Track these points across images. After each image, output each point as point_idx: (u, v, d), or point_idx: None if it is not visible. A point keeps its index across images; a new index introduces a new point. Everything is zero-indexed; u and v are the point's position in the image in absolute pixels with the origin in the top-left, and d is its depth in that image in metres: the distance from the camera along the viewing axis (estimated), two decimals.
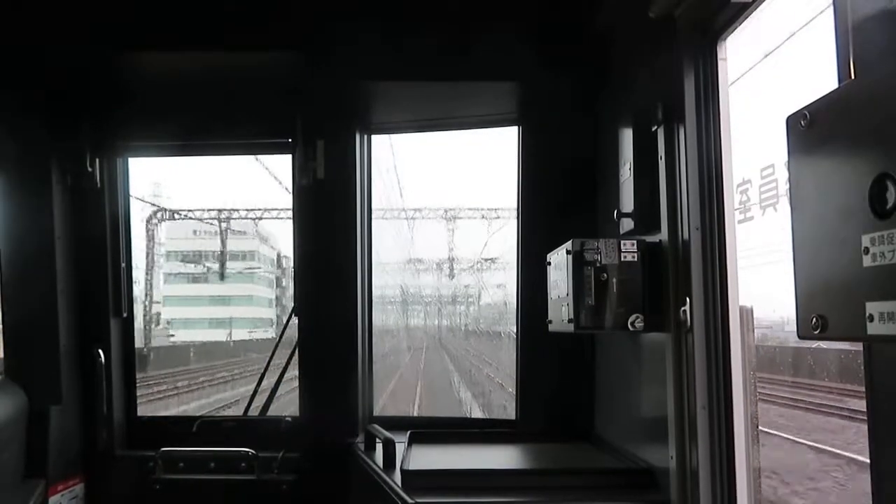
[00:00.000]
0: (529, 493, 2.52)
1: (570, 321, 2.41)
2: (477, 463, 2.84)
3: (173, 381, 17.00)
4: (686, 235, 2.21)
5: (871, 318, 1.09)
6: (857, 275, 1.12)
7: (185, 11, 3.09)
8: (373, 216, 3.72)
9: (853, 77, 1.34)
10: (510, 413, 3.57)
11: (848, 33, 1.36)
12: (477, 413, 11.26)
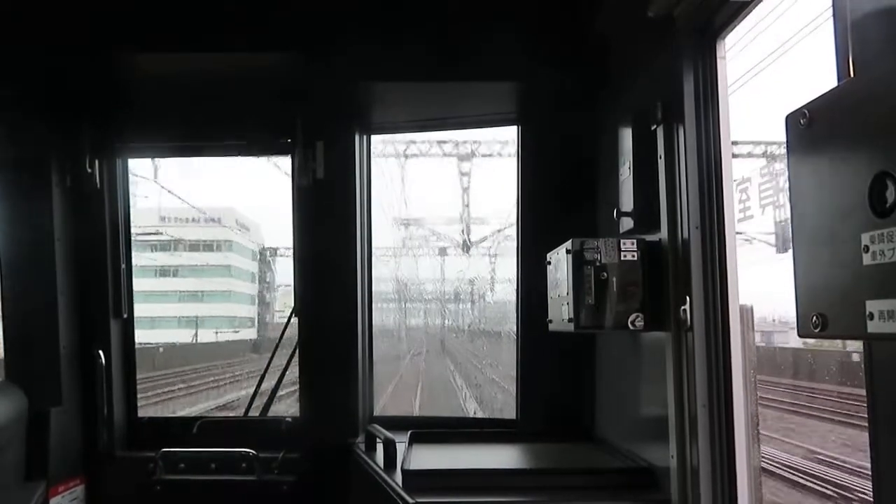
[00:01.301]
0: (530, 492, 2.52)
1: (570, 320, 2.41)
2: (477, 463, 2.84)
3: None
4: (686, 234, 2.21)
5: (871, 317, 1.09)
6: (856, 273, 1.12)
7: (185, 13, 3.09)
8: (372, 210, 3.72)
9: (852, 75, 1.34)
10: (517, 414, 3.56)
11: (847, 31, 1.36)
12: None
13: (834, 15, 1.42)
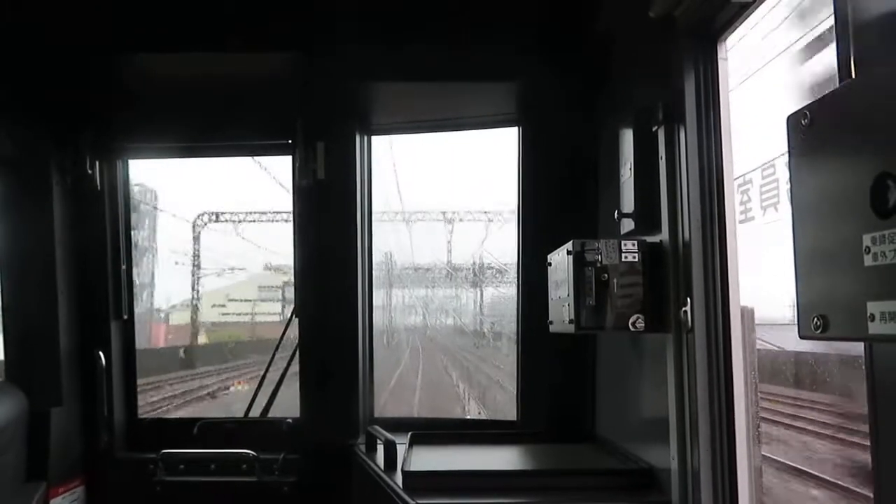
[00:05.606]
0: (531, 494, 2.52)
1: (570, 322, 2.41)
2: (478, 464, 2.84)
3: None
4: (687, 235, 2.21)
5: (873, 318, 1.09)
6: (858, 274, 1.11)
7: (186, 13, 3.09)
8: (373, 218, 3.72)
9: (854, 76, 1.34)
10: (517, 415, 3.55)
11: (848, 32, 1.36)
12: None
13: (835, 15, 1.41)
